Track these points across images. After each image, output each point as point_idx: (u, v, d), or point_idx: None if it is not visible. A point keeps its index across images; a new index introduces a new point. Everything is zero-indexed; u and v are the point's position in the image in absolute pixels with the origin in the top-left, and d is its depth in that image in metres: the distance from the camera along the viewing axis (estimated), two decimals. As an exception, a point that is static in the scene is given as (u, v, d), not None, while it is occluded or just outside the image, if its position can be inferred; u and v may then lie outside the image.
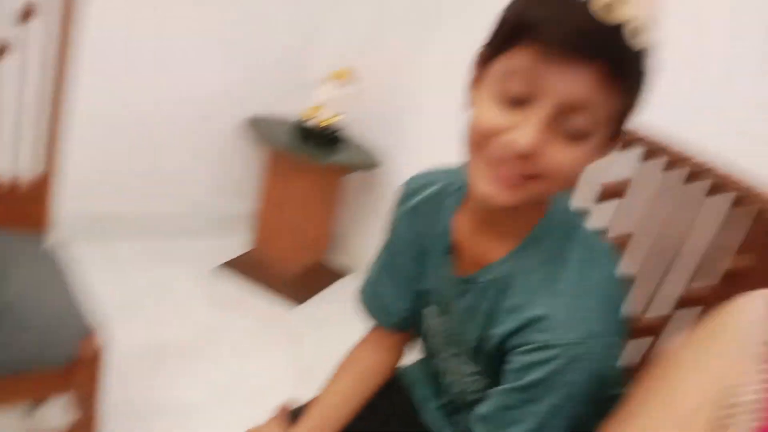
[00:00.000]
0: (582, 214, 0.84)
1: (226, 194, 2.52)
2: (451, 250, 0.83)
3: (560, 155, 0.64)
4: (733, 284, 0.89)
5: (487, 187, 0.67)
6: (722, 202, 0.97)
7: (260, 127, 2.24)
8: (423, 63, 2.20)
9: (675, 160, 1.04)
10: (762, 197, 0.90)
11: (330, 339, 2.05)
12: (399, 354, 1.01)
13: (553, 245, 0.75)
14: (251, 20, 2.21)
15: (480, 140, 0.67)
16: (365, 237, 2.50)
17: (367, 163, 2.22)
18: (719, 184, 0.97)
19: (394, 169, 2.30)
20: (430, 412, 0.97)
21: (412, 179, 0.92)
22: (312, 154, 2.09)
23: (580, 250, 0.74)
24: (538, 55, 0.61)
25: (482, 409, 0.76)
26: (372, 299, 0.98)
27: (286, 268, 2.28)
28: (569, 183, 0.69)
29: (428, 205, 0.87)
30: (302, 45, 2.41)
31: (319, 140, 2.19)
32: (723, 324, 0.67)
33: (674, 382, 0.66)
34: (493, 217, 0.77)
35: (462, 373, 0.86)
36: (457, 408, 0.91)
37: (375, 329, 1.00)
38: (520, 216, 0.75)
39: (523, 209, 0.71)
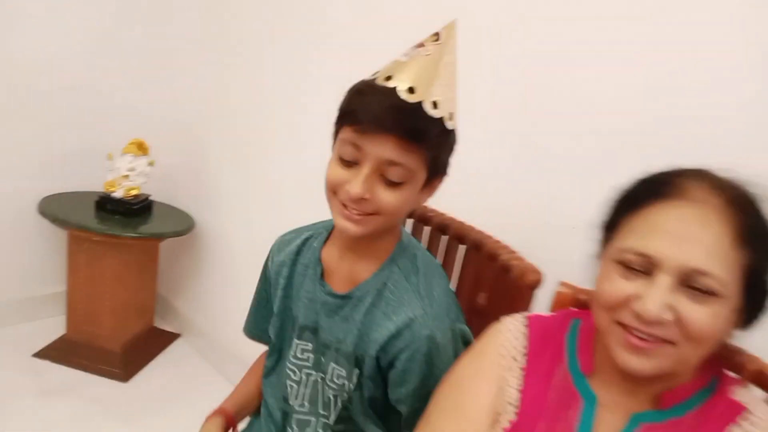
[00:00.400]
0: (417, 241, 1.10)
1: (33, 278, 2.39)
2: (324, 275, 1.04)
3: (386, 197, 0.89)
4: (477, 315, 1.10)
5: (342, 222, 0.92)
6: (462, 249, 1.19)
7: (59, 205, 2.17)
8: (217, 124, 2.28)
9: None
10: (494, 244, 1.12)
11: (166, 409, 2.05)
12: None
13: (407, 263, 1.00)
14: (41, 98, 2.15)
15: (331, 188, 0.92)
16: (191, 297, 2.51)
17: (181, 228, 2.23)
18: (459, 234, 1.19)
19: (210, 226, 2.35)
20: None
21: (281, 237, 1.14)
22: (119, 227, 2.07)
23: (424, 266, 1.01)
24: (358, 132, 0.87)
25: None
26: (255, 328, 1.20)
27: (109, 345, 2.21)
28: (399, 215, 0.95)
29: (299, 249, 1.09)
30: (96, 119, 2.37)
31: (125, 212, 2.17)
32: (489, 342, 0.86)
33: (462, 388, 0.84)
34: (357, 245, 1.00)
35: (331, 376, 1.02)
36: None
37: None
38: (379, 242, 0.99)
39: (379, 237, 0.98)
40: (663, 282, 0.67)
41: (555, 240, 1.18)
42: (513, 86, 1.30)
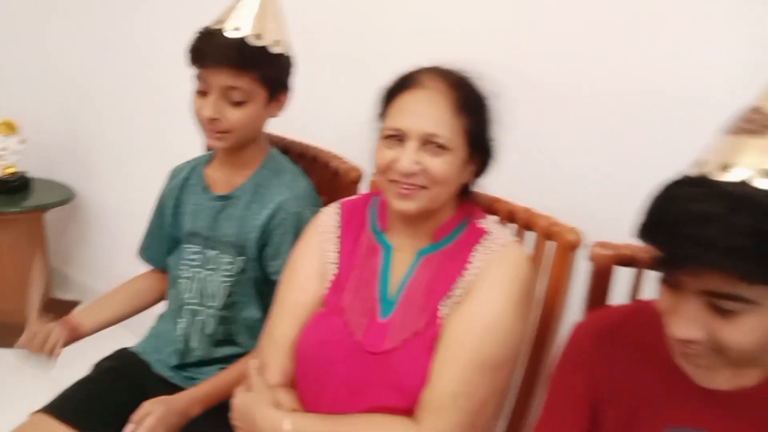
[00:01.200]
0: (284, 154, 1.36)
1: None
2: (208, 187, 1.30)
3: (233, 115, 1.17)
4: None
5: (210, 142, 1.21)
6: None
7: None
8: (88, 97, 2.38)
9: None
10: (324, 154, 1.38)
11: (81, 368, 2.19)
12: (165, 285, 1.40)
13: (275, 166, 1.28)
14: None
15: (198, 119, 1.19)
16: (84, 265, 2.64)
17: (61, 198, 2.35)
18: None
19: (92, 195, 2.47)
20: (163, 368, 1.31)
21: (174, 168, 1.39)
22: (1, 204, 2.16)
23: (290, 170, 1.28)
24: (202, 68, 1.15)
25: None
26: (146, 251, 1.42)
27: (12, 319, 2.31)
28: (251, 128, 1.21)
29: (188, 175, 1.34)
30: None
31: (5, 190, 2.26)
32: (311, 226, 1.13)
33: (296, 264, 1.10)
34: (231, 158, 1.27)
35: (216, 268, 1.27)
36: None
37: (151, 270, 1.44)
38: (248, 154, 1.26)
39: (246, 149, 1.25)
40: (410, 146, 0.96)
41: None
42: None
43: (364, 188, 1.31)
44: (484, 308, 0.95)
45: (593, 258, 1.04)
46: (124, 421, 1.13)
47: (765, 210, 0.62)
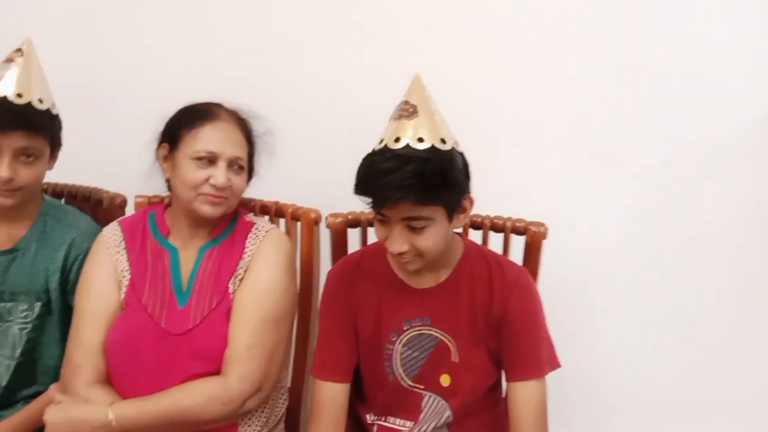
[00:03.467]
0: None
1: None
2: None
3: (26, 174, 1.23)
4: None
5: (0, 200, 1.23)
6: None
7: None
8: None
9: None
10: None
11: None
12: None
13: (55, 212, 1.35)
14: None
15: None
16: None
17: None
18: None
19: None
20: None
21: None
22: None
23: (70, 212, 1.38)
24: None
25: None
26: None
27: None
28: (38, 184, 1.29)
29: None
30: None
31: None
32: (96, 244, 1.28)
33: (90, 277, 1.24)
34: (11, 212, 1.29)
35: (12, 319, 1.30)
36: None
37: None
38: (25, 207, 1.30)
39: (26, 203, 1.29)
40: (222, 165, 1.19)
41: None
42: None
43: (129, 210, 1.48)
44: (262, 277, 1.24)
45: (329, 226, 1.42)
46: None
47: (422, 160, 1.02)
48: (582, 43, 1.79)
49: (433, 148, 1.05)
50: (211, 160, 1.20)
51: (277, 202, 1.46)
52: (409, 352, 1.20)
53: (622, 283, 1.90)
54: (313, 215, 1.40)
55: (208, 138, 1.21)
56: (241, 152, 1.24)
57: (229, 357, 1.18)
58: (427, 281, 1.21)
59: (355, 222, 1.44)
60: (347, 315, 1.23)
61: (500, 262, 1.23)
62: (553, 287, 1.45)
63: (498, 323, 1.18)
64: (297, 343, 1.44)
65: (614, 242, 1.88)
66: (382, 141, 1.08)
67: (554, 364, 1.20)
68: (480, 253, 1.24)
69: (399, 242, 1.08)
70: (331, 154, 1.70)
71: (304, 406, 1.45)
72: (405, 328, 1.20)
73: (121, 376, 1.19)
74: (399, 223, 1.07)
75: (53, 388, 1.24)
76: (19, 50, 1.26)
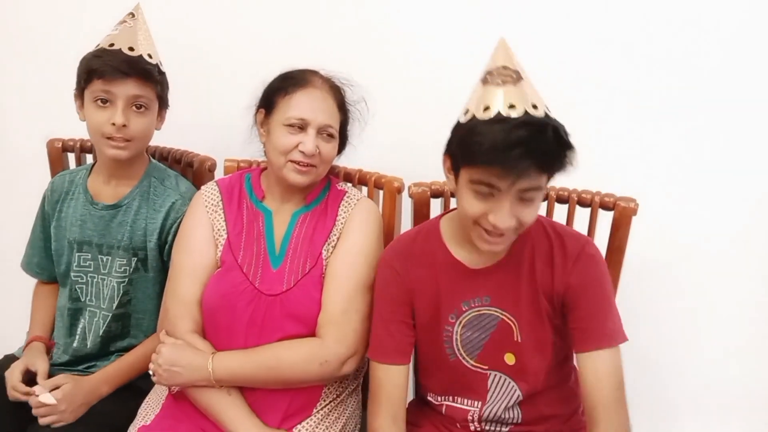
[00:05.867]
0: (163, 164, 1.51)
1: None
2: (93, 197, 1.41)
3: (137, 124, 1.30)
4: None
5: (112, 152, 1.32)
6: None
7: None
8: None
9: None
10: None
11: None
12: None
13: (159, 174, 1.43)
14: None
15: (96, 132, 1.32)
16: None
17: None
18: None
19: None
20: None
21: (51, 182, 1.49)
22: None
23: (173, 175, 1.45)
24: (107, 82, 1.26)
25: None
26: (30, 266, 1.52)
27: None
28: (147, 138, 1.38)
29: (67, 189, 1.44)
30: None
31: None
32: (194, 203, 1.34)
33: (188, 234, 1.31)
34: (118, 169, 1.40)
35: (110, 272, 1.39)
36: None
37: (42, 281, 1.54)
38: (132, 166, 1.40)
39: (134, 162, 1.38)
40: (311, 132, 1.22)
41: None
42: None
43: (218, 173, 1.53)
44: (354, 244, 1.26)
45: (412, 195, 1.41)
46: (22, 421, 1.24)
47: (553, 128, 0.95)
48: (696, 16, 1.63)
49: (547, 115, 1.00)
50: (301, 126, 1.22)
51: (360, 170, 1.47)
52: (469, 333, 1.17)
53: (710, 272, 1.76)
54: (396, 184, 1.40)
55: (300, 105, 1.22)
56: (331, 120, 1.25)
57: (325, 321, 1.20)
58: (484, 260, 1.16)
59: (438, 192, 1.42)
60: (403, 299, 1.19)
61: (560, 233, 1.16)
62: (639, 268, 1.38)
63: (561, 300, 1.13)
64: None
65: (711, 229, 1.74)
66: (487, 108, 0.98)
67: (623, 337, 1.11)
68: (539, 225, 1.16)
69: (509, 216, 1.01)
70: (417, 124, 1.68)
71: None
72: (464, 309, 1.17)
73: (216, 332, 1.24)
74: (511, 195, 1.00)
75: (162, 333, 1.28)
76: (131, 14, 1.37)
